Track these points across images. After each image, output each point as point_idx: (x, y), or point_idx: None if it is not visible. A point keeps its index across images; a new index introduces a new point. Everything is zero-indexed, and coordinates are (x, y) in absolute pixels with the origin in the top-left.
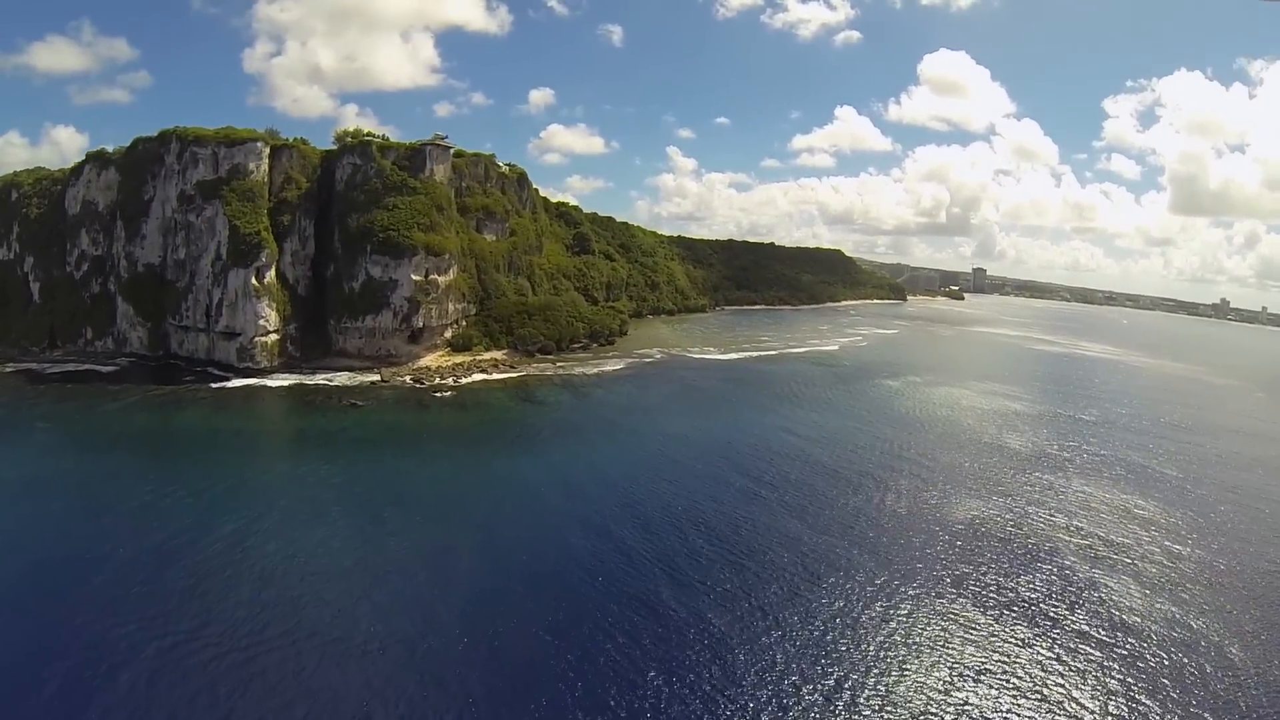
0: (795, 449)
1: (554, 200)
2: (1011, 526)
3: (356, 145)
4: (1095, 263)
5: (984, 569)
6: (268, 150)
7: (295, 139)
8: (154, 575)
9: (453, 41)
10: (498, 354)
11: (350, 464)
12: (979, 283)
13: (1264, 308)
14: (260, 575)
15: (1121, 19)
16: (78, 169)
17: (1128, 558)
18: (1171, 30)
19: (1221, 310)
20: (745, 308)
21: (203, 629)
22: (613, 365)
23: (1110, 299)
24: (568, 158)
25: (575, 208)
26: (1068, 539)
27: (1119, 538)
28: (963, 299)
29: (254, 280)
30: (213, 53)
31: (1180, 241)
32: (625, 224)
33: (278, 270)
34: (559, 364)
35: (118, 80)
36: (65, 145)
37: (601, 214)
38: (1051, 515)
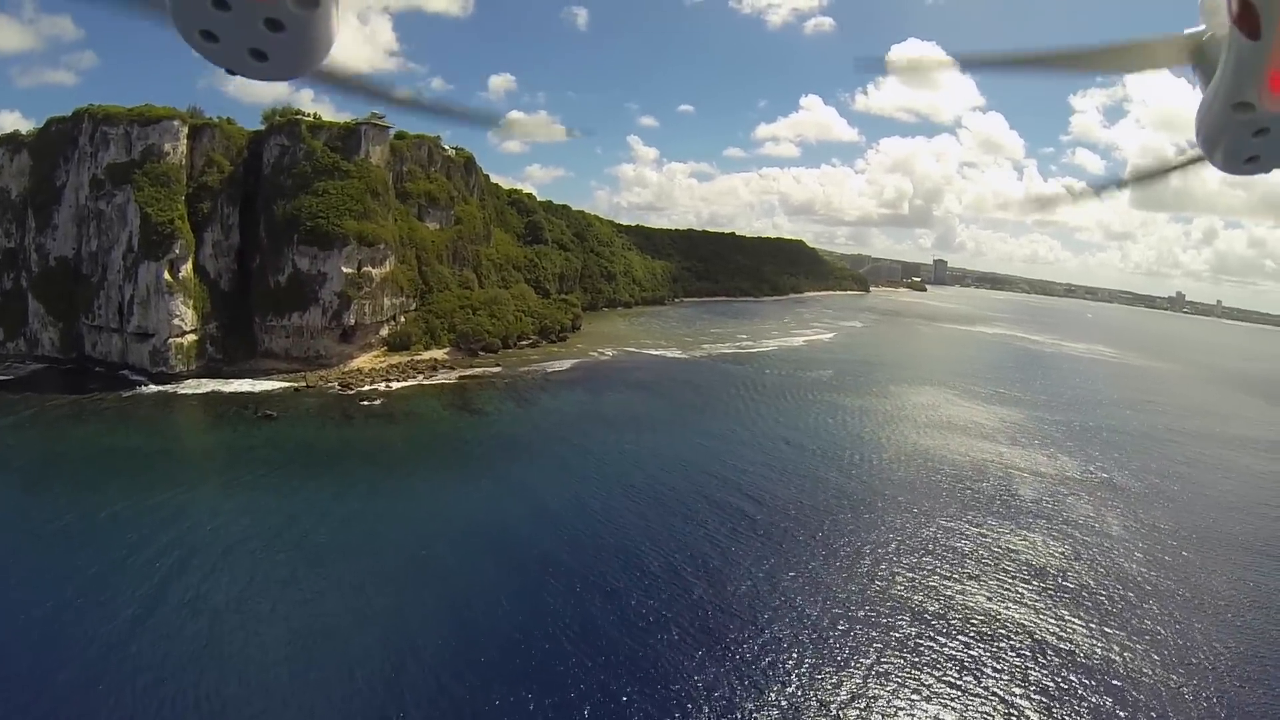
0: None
1: (507, 188)
2: None
3: (284, 125)
4: (1054, 255)
5: None
6: (186, 130)
7: (221, 118)
8: None
9: (412, 23)
10: (438, 353)
11: (250, 498)
12: (940, 274)
13: (1219, 301)
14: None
15: (1093, 14)
16: None
17: None
18: (1142, 25)
19: (1177, 303)
20: (705, 299)
21: None
22: (562, 364)
23: (1070, 291)
24: (528, 146)
25: (529, 195)
26: None
27: None
28: (925, 290)
29: (167, 275)
30: (160, 33)
31: (1139, 236)
32: (581, 213)
33: (196, 263)
34: (504, 364)
35: (62, 61)
36: (10, 130)
37: (557, 202)
38: None
